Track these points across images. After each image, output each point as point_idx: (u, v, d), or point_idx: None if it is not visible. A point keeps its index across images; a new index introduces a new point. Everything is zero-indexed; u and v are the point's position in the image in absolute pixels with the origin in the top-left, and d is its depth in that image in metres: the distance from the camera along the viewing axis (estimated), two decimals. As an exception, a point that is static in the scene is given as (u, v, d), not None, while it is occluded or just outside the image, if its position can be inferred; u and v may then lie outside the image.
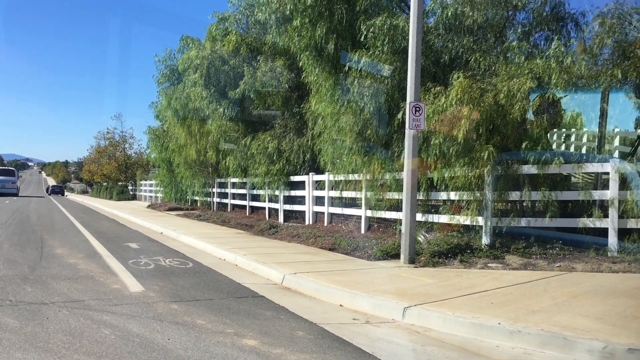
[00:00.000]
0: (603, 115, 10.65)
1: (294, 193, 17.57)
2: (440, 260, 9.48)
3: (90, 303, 6.76)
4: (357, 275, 8.69)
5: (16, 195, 56.84)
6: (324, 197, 15.87)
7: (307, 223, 16.61)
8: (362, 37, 11.46)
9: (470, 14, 11.57)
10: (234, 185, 22.69)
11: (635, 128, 11.79)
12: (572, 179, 11.11)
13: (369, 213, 13.62)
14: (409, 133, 9.58)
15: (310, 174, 16.49)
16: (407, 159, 9.62)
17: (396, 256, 10.08)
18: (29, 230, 16.65)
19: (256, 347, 5.07)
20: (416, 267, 9.31)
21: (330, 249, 11.51)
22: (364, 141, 12.01)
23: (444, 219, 11.15)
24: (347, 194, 14.49)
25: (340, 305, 7.09)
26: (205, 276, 9.08)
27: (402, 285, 7.74)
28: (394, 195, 12.35)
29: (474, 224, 10.37)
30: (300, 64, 13.99)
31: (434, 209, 11.98)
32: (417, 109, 9.46)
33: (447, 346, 5.35)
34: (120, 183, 53.16)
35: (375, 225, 13.70)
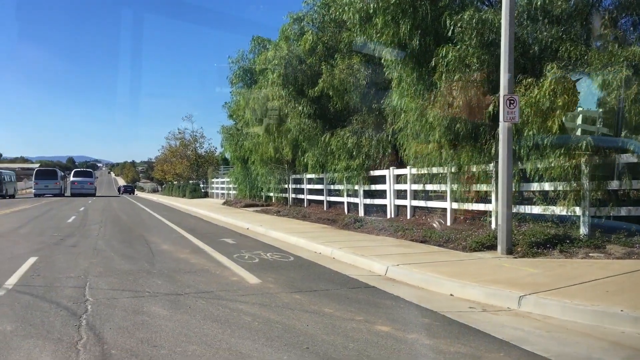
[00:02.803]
0: None
1: (374, 187, 17.89)
2: (538, 250, 9.58)
3: (220, 294, 7.33)
4: (458, 266, 8.91)
5: (94, 195, 59.95)
6: (405, 190, 16.11)
7: (388, 216, 16.88)
8: (450, 31, 11.60)
9: (558, 3, 11.49)
10: (310, 181, 23.24)
11: None
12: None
13: (455, 205, 13.76)
14: (503, 126, 9.69)
15: (390, 168, 16.76)
16: (502, 151, 9.74)
17: (491, 247, 10.25)
18: (125, 228, 17.74)
19: (391, 333, 5.44)
20: (515, 257, 9.44)
21: (421, 241, 11.76)
22: (452, 134, 12.17)
23: (536, 209, 11.18)
24: (430, 187, 14.68)
25: (451, 295, 7.36)
26: (310, 269, 9.55)
27: (509, 275, 7.92)
28: (482, 187, 12.47)
29: (571, 214, 10.38)
30: (383, 61, 14.23)
31: (526, 200, 12.01)
32: (512, 101, 9.56)
33: (573, 332, 5.54)
34: (191, 181, 55.02)
35: (462, 218, 13.82)
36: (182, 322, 5.81)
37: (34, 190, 58.30)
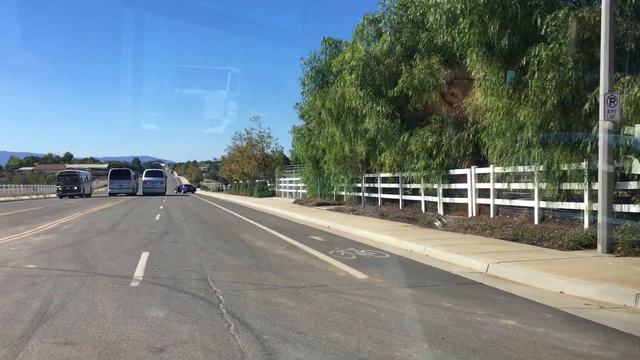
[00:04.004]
0: None
1: (454, 186, 17.96)
2: (641, 249, 9.50)
3: (335, 287, 7.73)
4: (560, 264, 8.97)
5: (164, 194, 62.36)
6: (487, 189, 16.13)
7: (469, 215, 16.92)
8: (543, 30, 11.61)
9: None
10: (384, 180, 23.48)
11: None
12: None
13: (543, 204, 13.70)
14: (603, 124, 9.66)
15: (472, 167, 16.80)
16: (602, 150, 9.70)
17: (589, 246, 10.23)
18: (212, 226, 18.56)
19: (518, 327, 5.66)
20: (617, 256, 9.40)
21: (513, 240, 11.79)
22: (544, 133, 12.16)
23: (634, 208, 11.03)
24: (516, 185, 14.67)
25: (561, 292, 7.46)
26: (409, 266, 9.83)
27: (617, 274, 7.95)
28: (574, 186, 12.39)
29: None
30: (468, 60, 14.29)
31: (621, 199, 11.84)
32: (612, 99, 9.52)
33: (702, 329, 5.60)
34: (257, 180, 56.26)
35: (550, 217, 13.74)
36: (312, 313, 6.23)
37: (109, 190, 61.27)
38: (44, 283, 7.93)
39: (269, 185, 52.24)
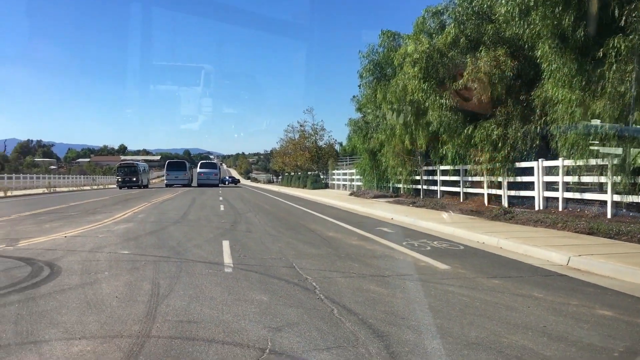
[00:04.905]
0: None
1: (519, 179, 17.84)
2: None
3: (420, 277, 7.95)
4: (644, 258, 8.92)
5: (217, 185, 63.83)
6: (556, 182, 15.98)
7: (535, 208, 16.80)
8: (622, 21, 11.45)
9: None
10: (444, 172, 23.46)
11: None
12: None
13: (617, 198, 13.51)
14: (688, 117, 9.52)
15: (539, 160, 16.65)
16: (687, 142, 9.57)
17: (672, 240, 10.09)
18: (278, 216, 19.04)
19: (616, 317, 5.76)
20: (703, 251, 9.27)
21: (588, 233, 11.71)
22: (621, 125, 12.00)
23: None
24: (587, 179, 14.48)
25: (649, 286, 7.47)
26: (487, 257, 9.94)
27: None
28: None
29: None
30: (539, 52, 14.17)
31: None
32: (699, 92, 9.35)
33: None
34: (310, 172, 56.86)
35: (624, 211, 13.54)
36: (407, 300, 6.50)
37: (165, 181, 63.23)
38: (144, 267, 8.47)
39: (322, 177, 52.69)
